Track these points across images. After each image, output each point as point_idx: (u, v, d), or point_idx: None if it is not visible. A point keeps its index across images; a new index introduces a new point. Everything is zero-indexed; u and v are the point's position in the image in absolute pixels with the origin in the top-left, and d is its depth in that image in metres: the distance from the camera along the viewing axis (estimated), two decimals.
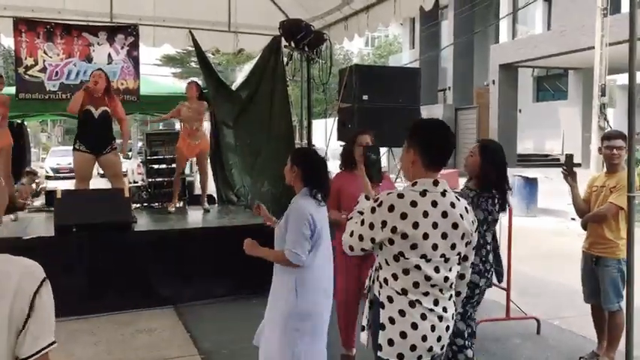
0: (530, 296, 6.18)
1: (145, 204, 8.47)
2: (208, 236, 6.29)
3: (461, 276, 2.59)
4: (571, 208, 5.34)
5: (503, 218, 4.91)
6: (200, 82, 8.48)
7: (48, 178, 22.68)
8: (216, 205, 8.54)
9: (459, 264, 2.52)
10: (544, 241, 10.14)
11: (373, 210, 2.41)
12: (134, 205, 7.92)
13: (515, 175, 13.33)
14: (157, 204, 8.42)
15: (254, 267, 5.89)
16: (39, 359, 1.52)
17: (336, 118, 6.80)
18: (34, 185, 9.88)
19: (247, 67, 8.96)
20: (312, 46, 6.93)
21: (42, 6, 7.47)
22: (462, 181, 4.13)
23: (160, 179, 8.66)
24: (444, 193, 2.42)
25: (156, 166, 8.85)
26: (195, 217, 7.49)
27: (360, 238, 2.46)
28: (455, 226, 2.41)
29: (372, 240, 2.43)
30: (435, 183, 2.41)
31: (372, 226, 2.41)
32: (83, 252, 5.67)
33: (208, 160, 8.27)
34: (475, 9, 23.51)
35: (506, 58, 21.44)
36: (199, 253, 6.07)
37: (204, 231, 6.55)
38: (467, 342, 3.72)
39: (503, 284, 5.23)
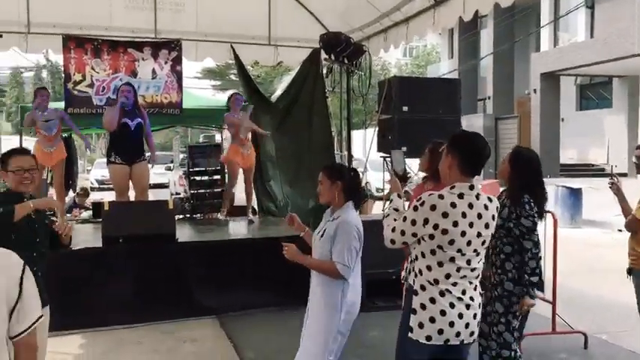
0: (576, 310, 6.04)
1: (188, 215, 8.62)
2: (250, 247, 6.35)
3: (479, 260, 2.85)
4: (617, 219, 5.23)
5: (545, 229, 4.84)
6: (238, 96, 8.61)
7: (93, 189, 23.22)
8: (257, 216, 8.63)
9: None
10: (589, 253, 9.90)
11: (416, 208, 2.73)
12: (177, 217, 8.08)
13: (558, 185, 13.06)
14: (199, 215, 8.56)
15: (295, 278, 5.94)
16: (31, 332, 1.83)
17: (376, 130, 6.81)
18: (86, 202, 10.23)
19: (286, 79, 9.02)
20: (352, 58, 6.97)
21: (90, 23, 7.71)
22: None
23: (202, 191, 8.79)
24: (477, 197, 2.76)
25: (198, 178, 8.99)
26: (237, 228, 7.59)
27: (402, 233, 2.78)
28: (487, 225, 2.77)
29: (414, 235, 2.74)
30: (471, 187, 2.75)
31: (414, 223, 2.73)
32: (129, 262, 5.80)
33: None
34: (515, 17, 23.22)
35: (548, 66, 21.08)
36: (241, 263, 6.15)
37: (246, 242, 6.63)
38: (513, 353, 3.68)
39: (549, 297, 5.14)
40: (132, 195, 7.29)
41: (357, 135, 18.99)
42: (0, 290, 1.74)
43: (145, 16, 7.86)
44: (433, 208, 2.68)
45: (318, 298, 3.36)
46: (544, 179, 3.87)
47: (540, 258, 3.74)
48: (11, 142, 15.01)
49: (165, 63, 8.14)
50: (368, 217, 7.09)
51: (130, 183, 7.04)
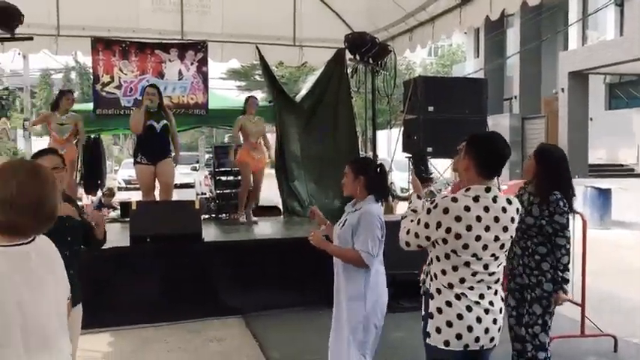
0: (606, 312, 5.93)
1: (213, 215, 8.68)
2: (275, 247, 6.37)
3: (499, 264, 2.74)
4: None
5: (574, 230, 4.77)
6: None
7: (120, 189, 23.52)
8: (282, 216, 8.65)
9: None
10: (618, 255, 9.72)
11: (429, 211, 2.65)
12: (203, 217, 8.14)
13: (587, 185, 12.85)
14: (224, 215, 8.62)
15: (321, 278, 5.95)
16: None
17: (401, 130, 6.78)
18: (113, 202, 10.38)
19: (311, 79, 9.05)
20: (377, 58, 6.96)
21: (118, 26, 7.82)
22: None
23: (228, 191, 8.85)
24: (495, 199, 2.63)
25: (223, 178, 9.06)
26: (262, 228, 7.62)
27: (416, 235, 2.71)
28: (505, 229, 2.64)
29: (427, 238, 2.67)
30: (487, 190, 2.63)
31: (427, 226, 2.65)
32: (156, 262, 5.86)
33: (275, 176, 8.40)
34: (543, 15, 22.92)
35: (576, 65, 20.77)
36: (267, 263, 6.17)
37: (271, 242, 6.66)
38: (548, 354, 3.64)
39: (578, 299, 5.06)
40: (158, 194, 7.38)
41: (381, 135, 18.93)
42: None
43: (172, 18, 7.94)
44: (446, 211, 2.58)
45: (342, 290, 3.43)
46: (573, 179, 3.81)
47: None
48: (42, 142, 15.26)
49: (192, 64, 8.22)
50: (393, 217, 7.07)
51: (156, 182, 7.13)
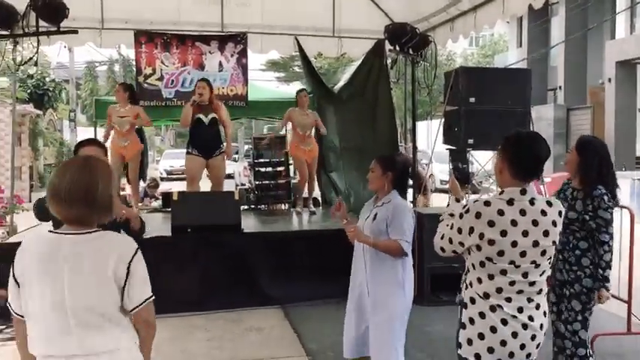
0: None
1: (252, 206, 8.76)
2: (314, 238, 6.39)
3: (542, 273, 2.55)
4: None
5: (621, 225, 4.63)
6: (303, 87, 8.66)
7: (162, 179, 23.97)
8: (320, 207, 8.67)
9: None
10: None
11: (461, 216, 2.51)
12: (242, 208, 8.22)
13: (634, 178, 12.46)
14: (263, 206, 8.68)
15: None
16: (142, 309, 2.07)
17: (442, 121, 6.69)
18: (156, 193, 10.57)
19: (349, 70, 9.00)
20: (417, 49, 6.86)
21: (159, 19, 7.93)
22: None
23: (266, 182, 8.91)
24: (532, 202, 2.46)
25: (262, 169, 9.12)
26: (300, 220, 7.65)
27: (450, 241, 2.59)
28: (546, 233, 2.45)
29: (461, 244, 2.53)
30: (523, 192, 2.46)
31: (460, 231, 2.51)
32: (197, 252, 5.96)
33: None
34: (589, 4, 22.26)
35: (624, 54, 20.11)
36: (305, 254, 6.21)
37: (309, 233, 6.68)
38: (589, 351, 3.56)
39: (624, 296, 4.92)
40: (202, 186, 7.52)
41: (421, 126, 18.73)
42: (108, 268, 1.99)
43: (212, 11, 8.01)
44: (478, 215, 2.42)
45: (378, 281, 3.49)
46: (619, 172, 3.70)
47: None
48: (87, 133, 15.64)
49: (232, 56, 8.28)
50: (431, 209, 7.00)
51: (205, 175, 7.32)
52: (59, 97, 20.22)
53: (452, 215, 2.73)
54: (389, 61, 8.03)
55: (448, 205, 2.91)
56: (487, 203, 2.45)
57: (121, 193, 11.38)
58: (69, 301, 1.96)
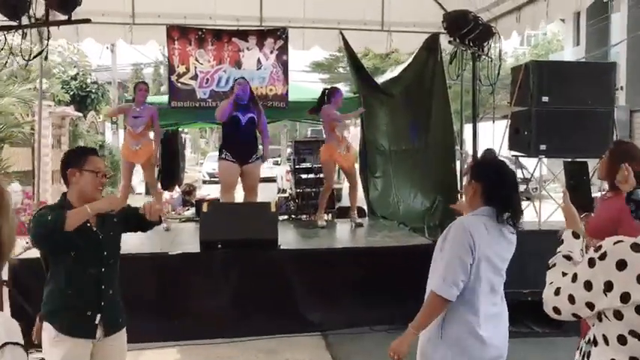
0: None
1: (293, 216, 8.10)
2: (361, 256, 5.65)
3: None
4: None
5: None
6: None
7: (205, 182, 23.66)
8: (367, 218, 7.92)
9: None
10: None
11: (592, 263, 1.68)
12: (281, 218, 7.57)
13: None
14: (304, 216, 8.02)
15: (412, 294, 5.20)
16: None
17: (508, 124, 5.86)
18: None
19: (399, 68, 8.25)
20: (479, 41, 6.04)
21: (194, 12, 7.35)
22: None
23: (308, 190, 8.24)
24: None
25: (304, 176, 8.47)
26: (345, 234, 6.91)
27: (571, 299, 1.74)
28: None
29: (590, 306, 1.69)
30: None
31: (589, 286, 1.69)
32: (228, 270, 5.31)
33: (357, 171, 7.68)
34: None
35: None
36: (350, 275, 5.47)
37: (355, 250, 5.90)
38: None
39: None
40: (238, 195, 6.94)
41: (469, 130, 17.66)
42: None
43: (250, 3, 7.35)
44: (621, 265, 1.61)
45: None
46: None
47: None
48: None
49: (271, 52, 7.61)
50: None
51: (240, 182, 6.70)
52: (102, 100, 20.05)
53: (568, 258, 1.95)
54: (446, 55, 7.23)
55: (560, 240, 2.07)
56: (636, 246, 1.62)
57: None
58: None
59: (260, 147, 6.94)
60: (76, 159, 2.86)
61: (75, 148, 3.06)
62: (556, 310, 1.82)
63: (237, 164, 6.41)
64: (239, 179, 6.62)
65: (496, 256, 2.53)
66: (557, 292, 1.81)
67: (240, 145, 6.43)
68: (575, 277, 1.75)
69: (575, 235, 2.05)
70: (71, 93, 18.13)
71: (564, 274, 1.84)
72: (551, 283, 1.87)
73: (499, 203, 2.51)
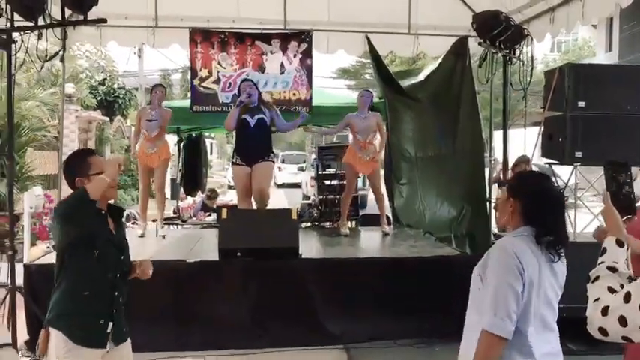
0: None
1: (316, 223, 7.93)
2: (385, 267, 5.44)
3: None
4: None
5: None
6: (374, 93, 7.76)
7: (230, 187, 23.67)
8: (392, 226, 7.70)
9: None
10: None
11: None
12: (304, 225, 7.40)
13: None
14: (328, 223, 7.83)
15: (439, 307, 4.99)
16: None
17: (541, 130, 5.59)
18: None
19: (425, 72, 8.01)
20: (510, 43, 5.80)
21: (217, 15, 7.21)
22: None
23: (332, 196, 8.06)
24: None
25: (327, 182, 8.29)
26: (369, 243, 6.71)
27: (623, 321, 1.57)
28: None
29: None
30: None
31: None
32: (246, 279, 5.16)
33: (382, 179, 7.47)
34: None
35: None
36: (374, 286, 5.26)
37: (379, 260, 5.68)
38: None
39: None
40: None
41: (497, 137, 17.30)
42: None
43: (274, 6, 7.20)
44: None
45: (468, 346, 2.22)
46: None
47: None
48: None
49: (294, 56, 7.44)
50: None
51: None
52: (130, 105, 20.18)
53: (612, 270, 1.72)
54: (474, 61, 6.98)
55: (604, 252, 1.83)
56: None
57: (180, 204, 10.84)
58: None
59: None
60: (79, 169, 2.72)
61: (72, 156, 2.86)
62: (602, 331, 1.64)
63: (247, 167, 6.23)
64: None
65: (547, 284, 2.18)
66: (604, 311, 1.62)
67: (249, 147, 6.27)
68: (628, 297, 1.56)
69: (619, 243, 1.80)
70: (99, 98, 18.28)
71: (611, 290, 1.64)
72: (597, 300, 1.66)
73: (541, 226, 2.17)
